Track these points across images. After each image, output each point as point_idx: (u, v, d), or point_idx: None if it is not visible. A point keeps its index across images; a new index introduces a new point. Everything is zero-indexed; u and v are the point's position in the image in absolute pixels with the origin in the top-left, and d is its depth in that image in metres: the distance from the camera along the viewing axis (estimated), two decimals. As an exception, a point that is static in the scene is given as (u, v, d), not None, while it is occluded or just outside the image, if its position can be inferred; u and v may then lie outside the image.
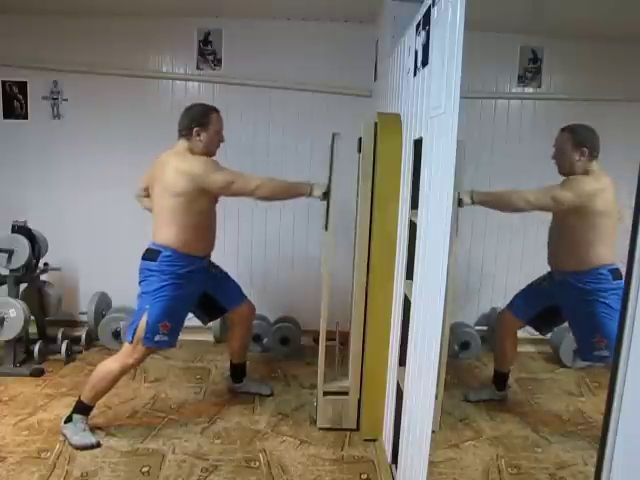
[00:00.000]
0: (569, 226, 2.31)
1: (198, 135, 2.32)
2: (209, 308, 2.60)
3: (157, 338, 2.25)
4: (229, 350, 2.80)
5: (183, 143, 2.33)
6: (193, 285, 2.36)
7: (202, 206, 2.29)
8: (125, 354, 2.26)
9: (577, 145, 2.27)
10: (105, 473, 2.09)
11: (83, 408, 2.29)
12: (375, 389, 2.35)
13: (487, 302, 3.55)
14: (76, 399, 2.32)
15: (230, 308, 2.61)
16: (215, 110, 2.38)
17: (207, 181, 2.23)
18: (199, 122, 2.32)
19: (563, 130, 2.35)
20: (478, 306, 3.58)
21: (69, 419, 2.30)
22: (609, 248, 2.29)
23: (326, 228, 2.36)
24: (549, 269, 2.52)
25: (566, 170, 2.33)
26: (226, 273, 2.61)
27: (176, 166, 2.23)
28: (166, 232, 2.26)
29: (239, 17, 3.39)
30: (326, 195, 2.34)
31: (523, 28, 3.29)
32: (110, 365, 2.26)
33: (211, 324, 3.28)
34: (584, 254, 2.31)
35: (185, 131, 2.33)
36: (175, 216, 2.25)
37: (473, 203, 2.32)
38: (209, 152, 2.36)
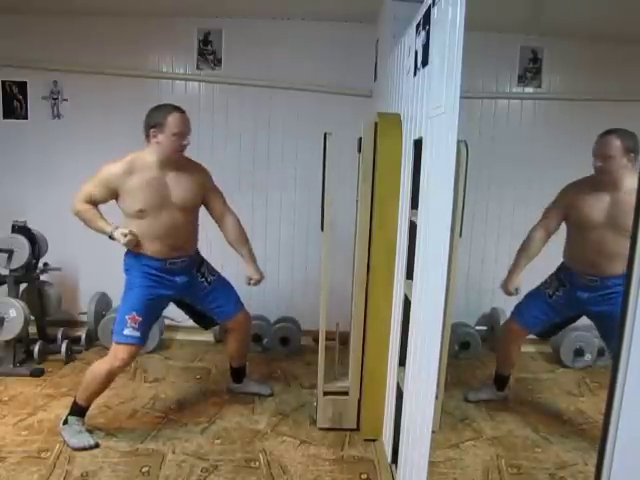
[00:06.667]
0: (616, 230, 2.23)
1: (155, 137, 2.20)
2: (200, 317, 2.59)
3: (126, 332, 2.22)
4: (227, 354, 2.80)
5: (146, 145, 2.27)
6: (161, 286, 2.32)
7: (133, 209, 2.21)
8: (112, 355, 2.25)
9: (627, 150, 2.19)
10: (105, 473, 2.09)
11: (78, 409, 2.30)
12: (375, 389, 2.35)
13: (487, 302, 3.56)
14: (76, 399, 2.33)
15: (220, 320, 2.58)
16: (177, 110, 2.22)
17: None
18: (155, 123, 2.20)
19: (608, 134, 2.22)
20: (478, 306, 3.59)
21: (66, 421, 2.30)
22: None
23: (322, 229, 2.36)
24: (560, 277, 2.48)
25: (613, 176, 2.24)
26: (218, 283, 2.51)
27: None
28: None
29: (239, 17, 3.38)
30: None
31: (523, 28, 3.29)
32: (99, 366, 2.26)
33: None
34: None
35: (145, 132, 2.24)
36: (123, 217, 2.28)
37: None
38: (166, 156, 2.23)
